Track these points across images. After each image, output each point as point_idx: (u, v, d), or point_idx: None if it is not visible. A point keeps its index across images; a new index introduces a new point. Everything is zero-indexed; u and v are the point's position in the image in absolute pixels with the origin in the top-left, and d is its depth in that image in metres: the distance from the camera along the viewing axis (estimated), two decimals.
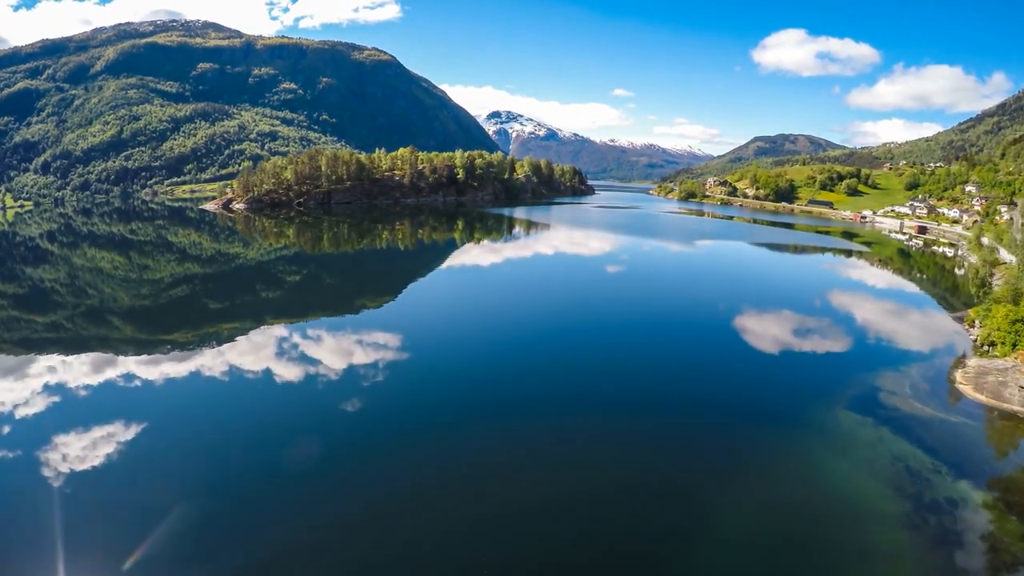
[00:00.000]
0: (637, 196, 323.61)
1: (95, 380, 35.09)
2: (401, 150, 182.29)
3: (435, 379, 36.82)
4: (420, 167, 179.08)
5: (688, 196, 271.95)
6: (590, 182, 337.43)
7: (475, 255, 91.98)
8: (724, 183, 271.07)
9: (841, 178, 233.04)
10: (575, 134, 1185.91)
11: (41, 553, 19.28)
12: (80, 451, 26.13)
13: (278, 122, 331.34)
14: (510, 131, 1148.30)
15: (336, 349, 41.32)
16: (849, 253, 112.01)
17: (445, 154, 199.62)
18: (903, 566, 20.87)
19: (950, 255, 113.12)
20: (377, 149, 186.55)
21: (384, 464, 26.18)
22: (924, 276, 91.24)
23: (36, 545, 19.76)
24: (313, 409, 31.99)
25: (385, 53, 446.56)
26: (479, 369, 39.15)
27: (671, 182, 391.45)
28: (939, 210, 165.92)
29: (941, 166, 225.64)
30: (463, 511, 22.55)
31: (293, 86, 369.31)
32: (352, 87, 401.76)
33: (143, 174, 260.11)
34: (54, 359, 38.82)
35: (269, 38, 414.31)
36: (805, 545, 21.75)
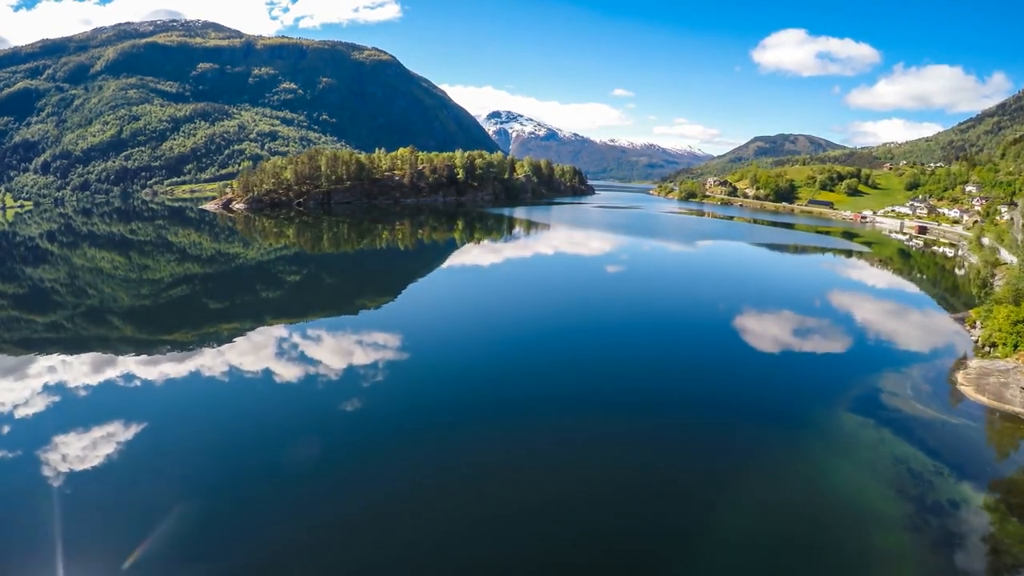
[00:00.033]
0: (637, 196, 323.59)
1: (95, 380, 35.06)
2: (401, 150, 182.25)
3: (435, 379, 36.79)
4: (420, 167, 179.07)
5: (688, 196, 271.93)
6: (590, 182, 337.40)
7: (475, 255, 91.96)
8: (724, 183, 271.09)
9: (841, 178, 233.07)
10: (575, 134, 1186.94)
11: (41, 553, 19.26)
12: (80, 451, 26.10)
13: (278, 122, 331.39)
14: (510, 131, 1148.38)
15: (336, 349, 41.29)
16: (849, 253, 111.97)
17: (445, 154, 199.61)
18: (905, 568, 20.81)
19: (950, 255, 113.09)
20: (377, 149, 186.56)
21: (384, 464, 26.15)
22: (924, 276, 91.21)
23: (36, 545, 19.74)
24: (313, 409, 31.96)
25: (385, 53, 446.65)
26: (479, 369, 39.11)
27: (671, 182, 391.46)
28: (939, 210, 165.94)
29: (941, 166, 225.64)
30: (463, 511, 22.52)
31: (293, 86, 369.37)
32: (352, 87, 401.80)
33: (143, 174, 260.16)
34: (54, 359, 38.78)
35: (269, 38, 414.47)
36: (806, 546, 21.68)
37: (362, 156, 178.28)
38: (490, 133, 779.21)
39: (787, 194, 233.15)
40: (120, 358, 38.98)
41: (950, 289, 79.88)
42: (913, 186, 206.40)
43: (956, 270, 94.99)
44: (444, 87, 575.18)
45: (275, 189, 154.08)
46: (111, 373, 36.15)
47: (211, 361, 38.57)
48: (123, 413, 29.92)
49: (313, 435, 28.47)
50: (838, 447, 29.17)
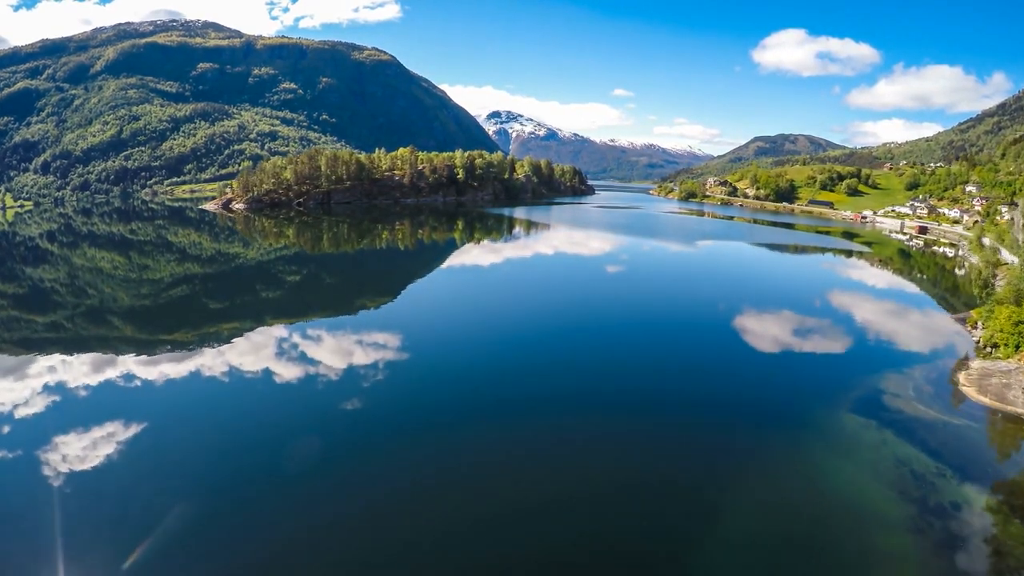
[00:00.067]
0: (637, 196, 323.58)
1: (95, 380, 35.03)
2: (401, 150, 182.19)
3: (435, 379, 36.74)
4: (420, 167, 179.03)
5: (688, 196, 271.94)
6: (590, 182, 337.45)
7: (475, 255, 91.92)
8: (724, 183, 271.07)
9: (841, 178, 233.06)
10: (575, 134, 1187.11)
11: (41, 553, 19.25)
12: (80, 451, 26.08)
13: (278, 122, 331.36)
14: (510, 131, 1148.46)
15: (336, 349, 41.26)
16: (850, 253, 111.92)
17: (445, 154, 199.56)
18: (907, 570, 20.75)
19: (951, 255, 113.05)
20: (377, 149, 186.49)
21: (384, 464, 26.11)
22: (925, 276, 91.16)
23: (36, 545, 19.74)
24: (313, 409, 31.92)
25: (385, 53, 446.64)
26: (479, 369, 39.07)
27: (671, 182, 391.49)
28: (940, 210, 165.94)
29: (941, 166, 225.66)
30: (463, 511, 22.49)
31: (293, 86, 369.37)
32: (352, 87, 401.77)
33: (143, 174, 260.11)
34: (54, 359, 38.76)
35: (269, 38, 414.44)
36: (808, 548, 21.62)
37: (362, 156, 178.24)
38: (490, 133, 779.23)
39: (787, 194, 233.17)
40: (120, 358, 38.95)
41: (950, 289, 79.85)
42: (913, 186, 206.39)
43: (956, 270, 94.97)
44: (444, 87, 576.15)
45: (275, 189, 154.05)
46: (111, 373, 36.12)
47: (211, 361, 38.54)
48: (123, 413, 29.89)
49: (313, 435, 28.44)
50: (840, 448, 29.09)
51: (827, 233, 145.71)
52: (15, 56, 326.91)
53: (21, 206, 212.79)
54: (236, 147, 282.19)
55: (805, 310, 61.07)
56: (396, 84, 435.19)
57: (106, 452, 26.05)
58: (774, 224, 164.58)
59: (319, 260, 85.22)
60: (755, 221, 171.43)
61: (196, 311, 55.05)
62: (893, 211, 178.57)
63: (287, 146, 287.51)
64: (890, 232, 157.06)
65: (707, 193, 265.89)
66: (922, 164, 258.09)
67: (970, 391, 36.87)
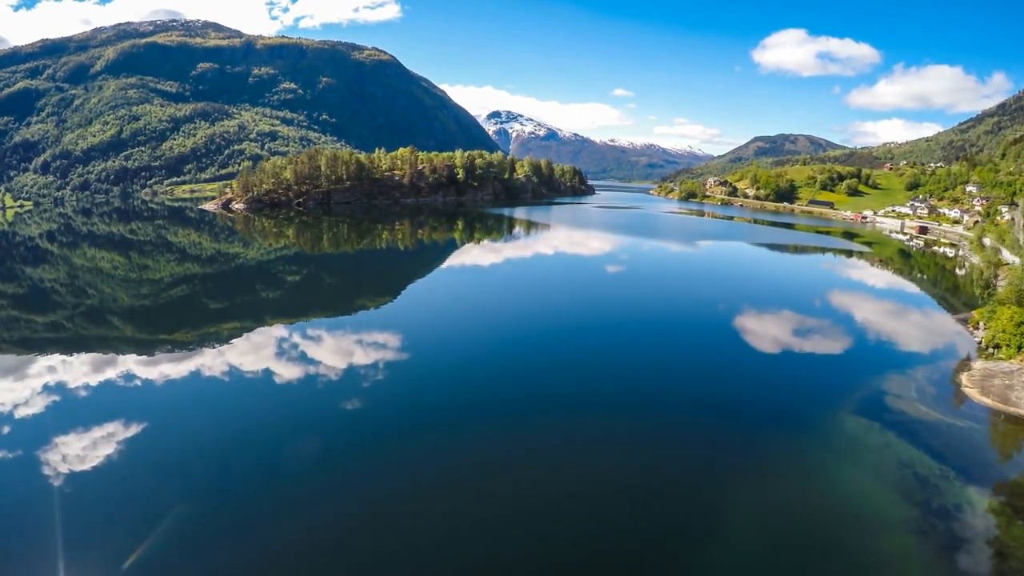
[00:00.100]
0: (637, 196, 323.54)
1: (95, 380, 34.95)
2: (401, 150, 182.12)
3: (435, 379, 36.67)
4: (420, 167, 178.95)
5: (688, 196, 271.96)
6: (590, 182, 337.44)
7: (475, 255, 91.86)
8: (724, 183, 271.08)
9: (841, 178, 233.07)
10: (575, 134, 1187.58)
11: (41, 553, 19.17)
12: (80, 451, 26.00)
13: (278, 122, 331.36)
14: (510, 131, 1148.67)
15: (336, 349, 41.19)
16: (850, 253, 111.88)
17: (445, 154, 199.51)
18: (910, 572, 20.63)
19: (951, 255, 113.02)
20: (377, 149, 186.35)
21: (384, 464, 26.04)
22: (925, 276, 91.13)
23: (36, 545, 19.66)
24: (313, 409, 31.85)
25: (385, 53, 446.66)
26: (479, 369, 39.00)
27: (671, 182, 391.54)
28: (940, 210, 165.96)
29: (941, 166, 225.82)
30: (463, 511, 22.41)
31: (293, 86, 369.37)
32: (352, 87, 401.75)
33: (143, 174, 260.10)
34: (54, 359, 38.69)
35: (269, 38, 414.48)
36: (811, 551, 21.48)
37: (362, 156, 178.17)
38: (490, 133, 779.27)
39: (787, 194, 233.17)
40: (120, 358, 38.88)
41: (951, 289, 79.80)
42: (913, 186, 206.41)
43: (957, 270, 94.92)
44: (444, 87, 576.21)
45: (275, 189, 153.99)
46: (111, 373, 36.05)
47: (211, 361, 38.47)
48: (123, 413, 29.82)
49: (313, 435, 28.38)
50: (843, 450, 28.90)
51: (827, 233, 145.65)
52: (15, 56, 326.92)
53: (21, 206, 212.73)
54: (236, 147, 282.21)
55: (806, 310, 61.00)
56: (396, 84, 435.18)
57: (106, 452, 25.98)
58: (774, 224, 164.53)
59: (319, 260, 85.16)
60: (755, 221, 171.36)
61: (196, 311, 54.98)
62: (893, 211, 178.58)
63: (287, 146, 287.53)
64: (890, 232, 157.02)
65: (707, 193, 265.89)
66: (922, 164, 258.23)
67: (973, 392, 36.70)
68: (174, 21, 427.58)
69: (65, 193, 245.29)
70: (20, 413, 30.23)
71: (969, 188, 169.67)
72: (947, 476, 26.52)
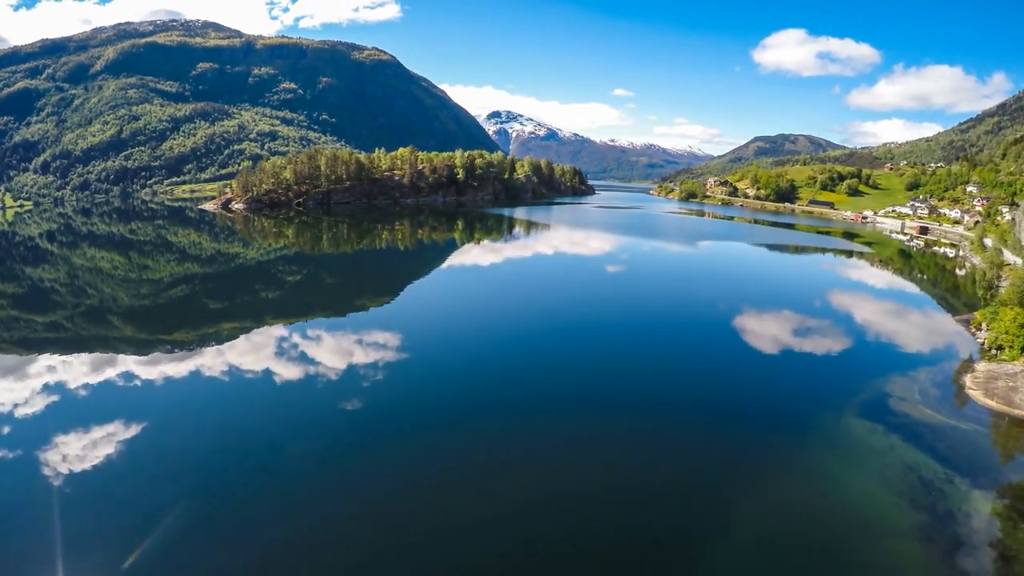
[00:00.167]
0: (637, 196, 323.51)
1: (95, 380, 34.89)
2: (401, 150, 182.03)
3: (435, 379, 36.61)
4: (420, 167, 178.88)
5: (688, 196, 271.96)
6: (590, 182, 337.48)
7: (475, 255, 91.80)
8: (725, 183, 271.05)
9: (842, 178, 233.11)
10: (575, 134, 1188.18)
11: (41, 553, 19.13)
12: (80, 451, 25.95)
13: (278, 122, 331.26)
14: (510, 131, 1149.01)
15: (336, 349, 41.13)
16: (850, 254, 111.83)
17: (445, 154, 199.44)
18: None
19: (951, 256, 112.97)
20: (377, 149, 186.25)
21: (384, 464, 26.00)
22: (926, 277, 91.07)
23: (36, 545, 19.63)
24: (313, 409, 31.80)
25: (385, 53, 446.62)
26: (479, 369, 38.95)
27: (671, 182, 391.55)
28: (940, 210, 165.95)
29: (942, 166, 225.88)
30: (463, 511, 22.36)
31: (293, 86, 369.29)
32: (352, 87, 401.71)
33: (143, 174, 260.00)
34: (54, 359, 38.61)
35: (269, 38, 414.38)
36: (815, 555, 21.33)
37: (362, 156, 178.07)
38: (490, 133, 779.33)
39: (788, 194, 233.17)
40: (120, 358, 38.81)
41: (951, 290, 79.73)
42: (914, 186, 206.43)
43: (957, 271, 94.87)
44: (444, 87, 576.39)
45: (274, 189, 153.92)
46: (111, 373, 35.99)
47: (211, 361, 38.41)
48: (123, 413, 29.76)
49: (313, 435, 28.34)
50: (846, 452, 28.72)
51: (828, 233, 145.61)
52: (15, 56, 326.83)
53: (21, 206, 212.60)
54: (236, 147, 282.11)
55: (806, 311, 60.92)
56: (396, 84, 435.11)
57: (106, 452, 25.92)
58: (775, 224, 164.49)
59: (319, 260, 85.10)
60: (756, 221, 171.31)
61: (196, 311, 54.92)
62: (894, 211, 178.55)
63: (287, 146, 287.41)
64: (891, 232, 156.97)
65: (707, 193, 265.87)
66: (922, 164, 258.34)
67: (976, 394, 36.47)
68: (174, 21, 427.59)
69: (65, 193, 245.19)
70: (20, 413, 30.17)
71: (969, 188, 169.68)
72: (952, 480, 26.30)
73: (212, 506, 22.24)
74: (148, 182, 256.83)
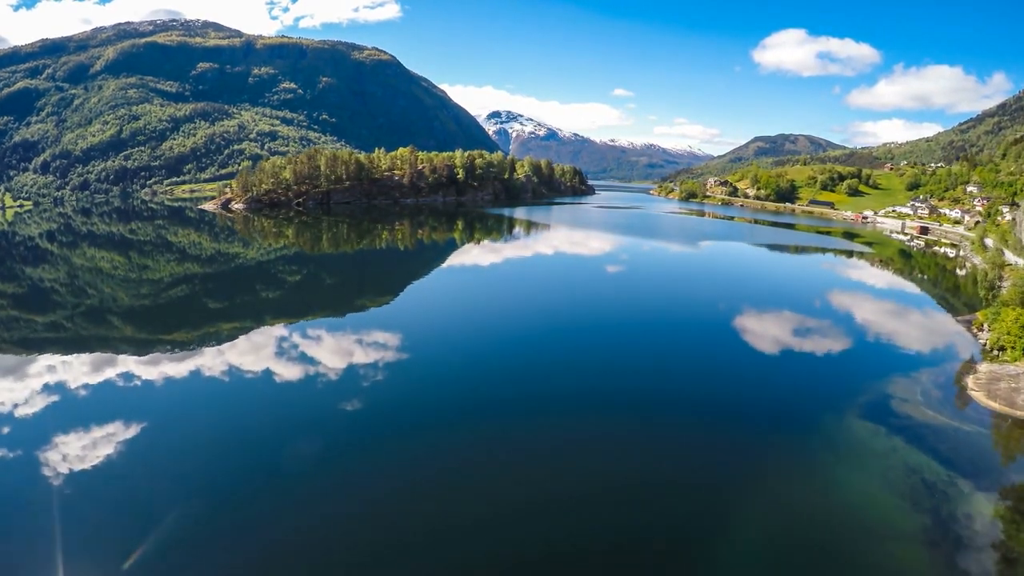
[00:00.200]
0: (637, 196, 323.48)
1: (95, 380, 34.85)
2: (401, 150, 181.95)
3: (435, 379, 36.58)
4: (420, 167, 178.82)
5: (689, 196, 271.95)
6: (590, 182, 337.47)
7: (475, 255, 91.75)
8: (725, 183, 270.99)
9: (842, 178, 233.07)
10: (575, 134, 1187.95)
11: (41, 553, 19.11)
12: (80, 451, 25.91)
13: (278, 122, 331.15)
14: (510, 131, 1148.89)
15: (336, 349, 41.09)
16: (851, 254, 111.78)
17: (445, 154, 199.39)
18: None
19: (952, 256, 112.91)
20: (377, 149, 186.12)
21: (384, 464, 25.97)
22: (926, 277, 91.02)
23: (36, 545, 19.61)
24: (313, 409, 31.77)
25: (385, 53, 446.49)
26: (479, 369, 38.92)
27: (671, 182, 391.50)
28: (941, 210, 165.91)
29: (942, 166, 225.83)
30: (463, 511, 22.34)
31: (293, 86, 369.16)
32: (352, 87, 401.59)
33: (143, 174, 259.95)
34: (54, 359, 38.58)
35: (269, 38, 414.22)
36: (815, 555, 21.28)
37: (362, 156, 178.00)
38: (490, 133, 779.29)
39: (788, 194, 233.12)
40: (120, 358, 38.78)
41: (952, 290, 79.67)
42: (914, 186, 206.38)
43: (958, 271, 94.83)
44: (444, 87, 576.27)
45: (274, 189, 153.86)
46: (111, 373, 35.95)
47: (211, 361, 38.37)
48: (123, 413, 29.73)
49: (313, 435, 28.32)
50: (848, 454, 28.61)
51: (828, 233, 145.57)
52: (15, 56, 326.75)
53: (21, 206, 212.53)
54: (236, 147, 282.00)
55: (807, 311, 60.84)
56: (396, 84, 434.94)
57: (106, 452, 25.89)
58: (775, 224, 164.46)
59: (319, 260, 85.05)
60: (756, 221, 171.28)
61: (196, 311, 54.88)
62: (894, 211, 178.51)
63: (287, 146, 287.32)
64: (891, 232, 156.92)
65: (707, 193, 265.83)
66: (923, 164, 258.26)
67: (979, 395, 36.33)
68: (174, 21, 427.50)
69: (65, 193, 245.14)
70: (20, 413, 30.14)
71: (970, 188, 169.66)
72: (954, 482, 26.18)
73: (212, 506, 22.22)
74: (148, 182, 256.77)
